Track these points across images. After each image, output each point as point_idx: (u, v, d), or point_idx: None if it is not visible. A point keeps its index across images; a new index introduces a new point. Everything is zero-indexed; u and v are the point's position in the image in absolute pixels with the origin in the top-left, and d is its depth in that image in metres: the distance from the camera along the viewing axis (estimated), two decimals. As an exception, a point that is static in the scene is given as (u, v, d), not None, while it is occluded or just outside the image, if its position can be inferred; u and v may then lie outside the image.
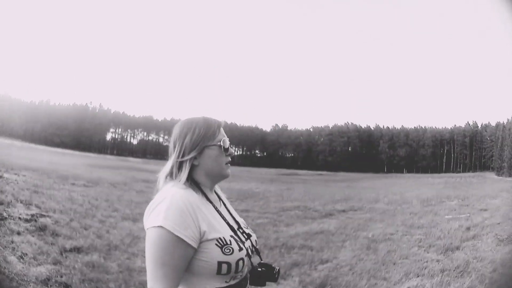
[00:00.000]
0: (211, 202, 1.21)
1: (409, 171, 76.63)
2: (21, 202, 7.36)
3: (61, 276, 3.61)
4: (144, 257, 3.96)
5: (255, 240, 1.31)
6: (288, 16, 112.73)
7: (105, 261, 4.32)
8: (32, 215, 6.41)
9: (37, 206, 7.27)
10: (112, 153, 69.27)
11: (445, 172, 73.29)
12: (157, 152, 72.83)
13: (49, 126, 64.59)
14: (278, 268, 1.27)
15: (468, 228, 8.27)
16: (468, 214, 10.60)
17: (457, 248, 6.45)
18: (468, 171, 69.92)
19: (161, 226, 1.03)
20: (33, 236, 5.23)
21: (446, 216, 10.39)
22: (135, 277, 3.86)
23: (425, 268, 5.19)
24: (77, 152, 50.78)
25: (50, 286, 3.42)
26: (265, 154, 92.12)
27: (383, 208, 12.41)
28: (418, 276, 4.88)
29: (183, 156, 1.19)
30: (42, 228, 5.60)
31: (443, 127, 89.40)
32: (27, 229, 5.53)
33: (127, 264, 4.30)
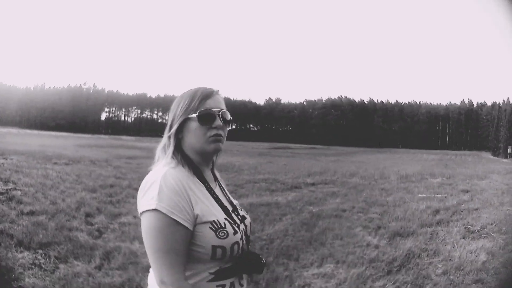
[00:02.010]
0: (204, 181, 1.15)
1: (404, 147, 76.81)
2: (1, 180, 8.45)
3: (10, 229, 5.09)
4: (81, 218, 6.22)
5: (250, 223, 1.25)
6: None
7: (48, 221, 5.46)
8: (7, 189, 7.49)
9: (13, 182, 8.31)
10: (107, 133, 69.68)
11: (441, 149, 73.38)
12: (152, 129, 73.29)
13: (44, 110, 65.29)
14: (264, 259, 1.17)
15: (436, 211, 7.33)
16: (445, 195, 9.55)
17: (411, 234, 5.58)
18: (465, 149, 69.55)
19: (156, 209, 0.98)
20: (2, 204, 6.67)
21: (420, 195, 9.50)
22: (64, 232, 4.98)
23: (352, 254, 4.47)
24: (71, 134, 51.20)
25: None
26: (259, 127, 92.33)
27: (356, 183, 12.04)
28: (337, 263, 4.24)
29: (170, 131, 1.15)
30: (11, 198, 6.79)
31: (438, 103, 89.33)
32: (-1, 199, 6.89)
33: (64, 223, 5.41)
